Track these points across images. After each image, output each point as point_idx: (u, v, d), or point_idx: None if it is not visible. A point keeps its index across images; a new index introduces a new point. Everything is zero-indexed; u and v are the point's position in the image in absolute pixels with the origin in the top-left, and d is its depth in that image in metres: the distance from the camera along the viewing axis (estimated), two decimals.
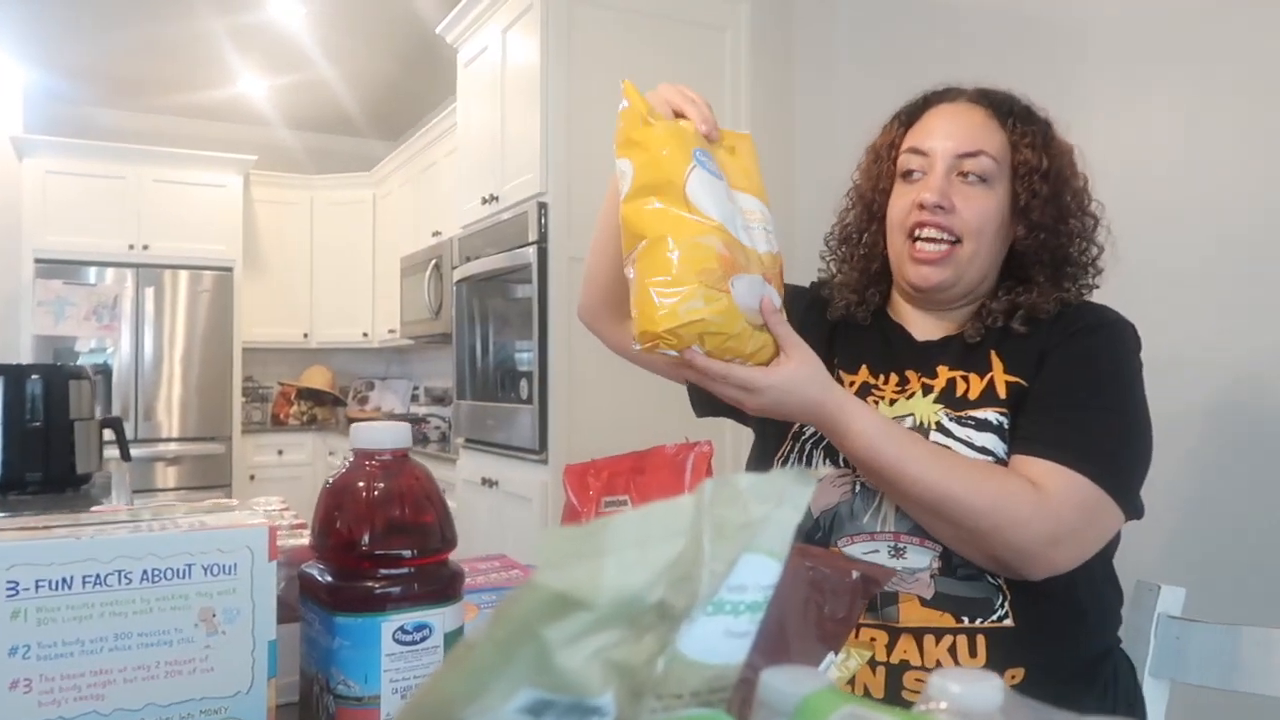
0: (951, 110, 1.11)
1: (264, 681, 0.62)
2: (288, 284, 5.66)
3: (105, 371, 4.76)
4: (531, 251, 2.85)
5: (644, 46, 2.90)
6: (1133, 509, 0.98)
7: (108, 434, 2.30)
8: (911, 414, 1.05)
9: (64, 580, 0.57)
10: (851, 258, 1.20)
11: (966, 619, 0.96)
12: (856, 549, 1.00)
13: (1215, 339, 1.83)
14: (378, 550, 0.64)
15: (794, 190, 2.99)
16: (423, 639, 0.64)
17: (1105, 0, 2.09)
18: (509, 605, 0.29)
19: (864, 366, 1.13)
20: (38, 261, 4.73)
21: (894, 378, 1.10)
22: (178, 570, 0.60)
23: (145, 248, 5.00)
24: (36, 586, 0.56)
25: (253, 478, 5.26)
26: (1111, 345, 1.05)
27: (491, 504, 3.16)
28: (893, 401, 1.07)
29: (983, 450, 1.00)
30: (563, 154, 2.80)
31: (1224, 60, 1.85)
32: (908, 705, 0.32)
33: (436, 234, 4.45)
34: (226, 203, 5.25)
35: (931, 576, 0.97)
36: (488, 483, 3.16)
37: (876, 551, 1.00)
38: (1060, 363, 1.03)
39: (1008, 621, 0.96)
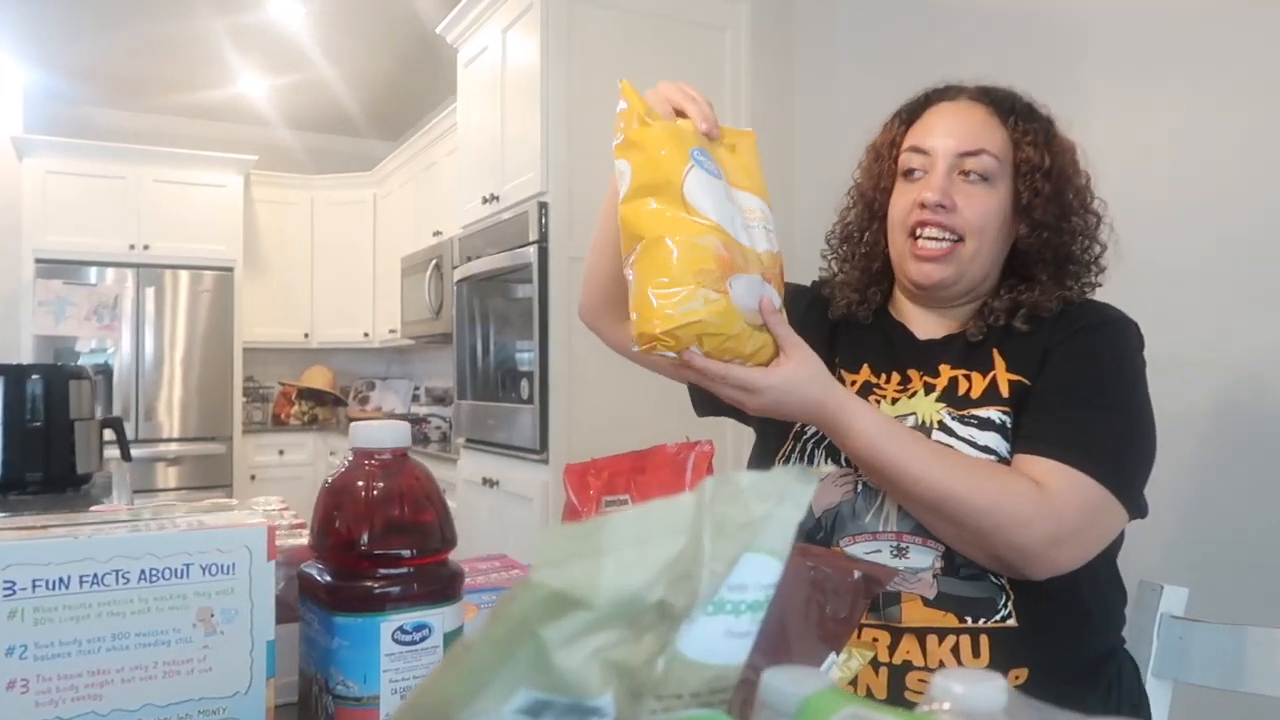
0: (953, 108, 1.10)
1: (262, 682, 0.62)
2: (288, 284, 5.66)
3: (106, 371, 4.76)
4: (532, 251, 2.85)
5: (644, 46, 2.90)
6: (1136, 508, 0.98)
7: (108, 434, 2.30)
8: (913, 413, 1.04)
9: (61, 580, 0.56)
10: (853, 256, 1.19)
11: (970, 619, 0.96)
12: (859, 549, 1.00)
13: (1215, 339, 1.83)
14: (377, 550, 0.64)
15: (794, 190, 2.99)
16: (422, 639, 0.63)
17: (1105, 0, 2.09)
18: (506, 604, 0.29)
19: (866, 365, 1.13)
20: (38, 261, 4.73)
21: (896, 377, 1.10)
22: (176, 570, 0.59)
23: (146, 248, 5.00)
24: (33, 586, 0.56)
25: (254, 478, 5.26)
26: (1114, 343, 1.04)
27: (492, 504, 3.16)
28: (895, 400, 1.07)
29: (985, 449, 0.99)
30: (563, 153, 2.80)
31: (1224, 60, 1.84)
32: (910, 706, 0.32)
33: (437, 234, 4.45)
34: (227, 203, 5.25)
35: (934, 576, 0.97)
36: (488, 483, 3.16)
37: (879, 551, 0.99)
38: (1063, 361, 1.02)
39: (1011, 621, 0.96)
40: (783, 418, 1.02)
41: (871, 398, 1.08)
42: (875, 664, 0.97)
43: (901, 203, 1.10)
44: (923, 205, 1.06)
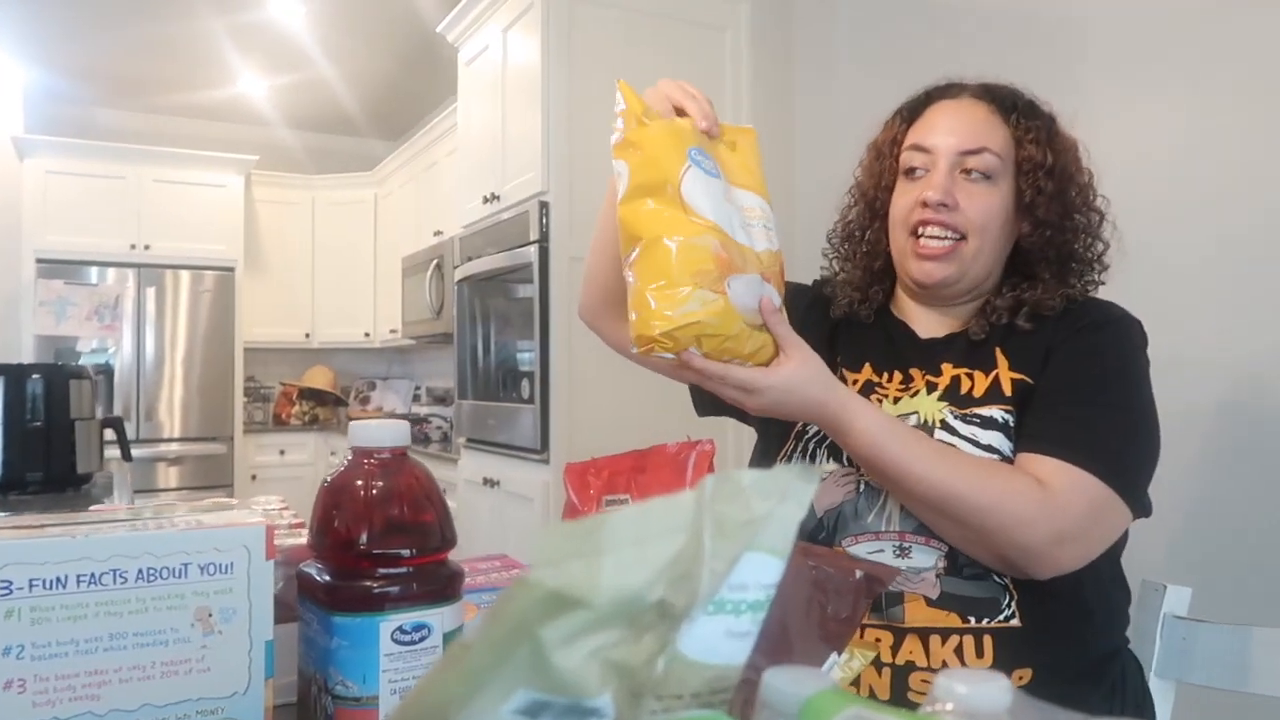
0: (954, 106, 1.10)
1: (261, 682, 0.62)
2: (289, 284, 5.66)
3: (106, 371, 4.76)
4: (533, 251, 2.84)
5: (644, 46, 2.89)
6: (1140, 507, 0.97)
7: (109, 434, 2.30)
8: (916, 412, 1.04)
9: (58, 579, 0.56)
10: (854, 255, 1.19)
11: (973, 619, 0.95)
12: (861, 548, 1.00)
13: (1215, 339, 1.83)
14: (376, 549, 0.64)
15: (794, 189, 2.99)
16: (421, 639, 0.63)
17: (1105, 0, 2.09)
18: (504, 603, 0.29)
19: (867, 364, 1.12)
20: (39, 261, 4.73)
21: (898, 375, 1.10)
22: (174, 569, 0.59)
23: (146, 248, 5.00)
24: (30, 586, 0.55)
25: (254, 478, 5.26)
26: (1118, 341, 1.04)
27: (493, 504, 3.15)
28: (897, 400, 1.07)
29: (988, 448, 0.99)
30: (564, 153, 2.80)
31: (1224, 60, 1.84)
32: (913, 706, 0.31)
33: (438, 233, 4.45)
34: (227, 203, 5.25)
35: (937, 576, 0.97)
36: (489, 483, 3.15)
37: (881, 551, 0.99)
38: (1066, 359, 1.02)
39: (1014, 621, 0.95)
40: (784, 418, 1.01)
41: (873, 397, 1.07)
42: (878, 664, 0.96)
43: (903, 201, 1.10)
44: (924, 204, 1.06)
